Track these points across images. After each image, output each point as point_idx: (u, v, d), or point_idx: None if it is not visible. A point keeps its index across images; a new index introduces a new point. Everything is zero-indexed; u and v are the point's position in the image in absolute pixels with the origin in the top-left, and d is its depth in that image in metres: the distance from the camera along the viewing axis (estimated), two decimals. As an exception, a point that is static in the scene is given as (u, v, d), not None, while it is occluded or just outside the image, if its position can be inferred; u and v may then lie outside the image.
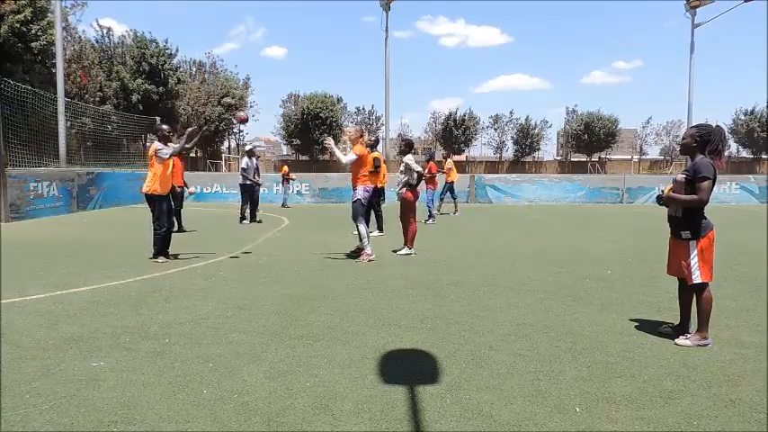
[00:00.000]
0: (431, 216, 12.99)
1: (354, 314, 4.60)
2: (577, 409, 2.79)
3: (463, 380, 3.17)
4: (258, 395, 2.95)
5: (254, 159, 12.54)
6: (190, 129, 7.52)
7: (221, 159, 49.54)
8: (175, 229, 9.87)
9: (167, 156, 7.07)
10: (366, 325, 4.28)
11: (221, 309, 4.74)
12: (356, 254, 7.54)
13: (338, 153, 7.27)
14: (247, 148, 13.30)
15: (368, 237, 7.30)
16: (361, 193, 7.28)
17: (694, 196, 3.70)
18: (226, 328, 4.15)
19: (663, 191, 3.97)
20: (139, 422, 2.63)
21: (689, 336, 3.86)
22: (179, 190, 10.37)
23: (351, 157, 7.24)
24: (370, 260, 7.12)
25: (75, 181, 14.82)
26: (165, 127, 7.47)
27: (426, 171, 13.13)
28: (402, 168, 8.07)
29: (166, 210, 7.18)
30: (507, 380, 3.18)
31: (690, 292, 3.97)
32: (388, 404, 2.84)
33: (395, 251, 7.93)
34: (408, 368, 3.38)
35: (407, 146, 8.61)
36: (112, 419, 2.65)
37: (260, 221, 12.42)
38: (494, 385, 3.10)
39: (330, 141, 7.41)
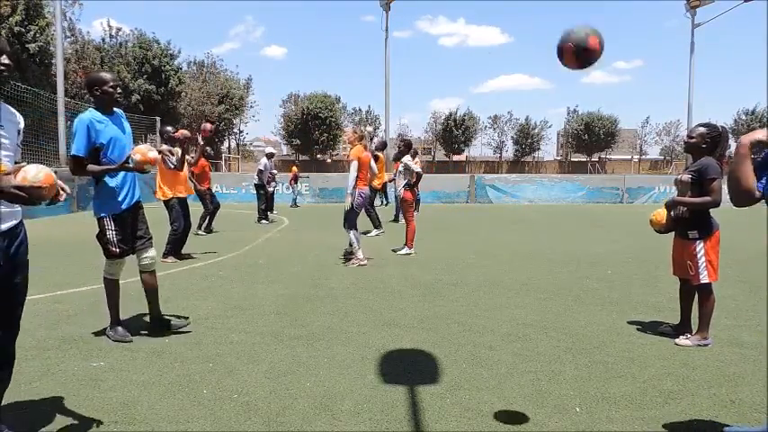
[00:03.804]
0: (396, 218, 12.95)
1: (354, 314, 4.59)
2: (577, 409, 2.79)
3: (463, 380, 3.17)
4: (258, 395, 2.95)
5: (271, 162, 13.11)
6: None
7: (221, 159, 49.53)
8: (202, 231, 9.96)
9: (172, 167, 7.08)
10: (366, 325, 4.28)
11: (221, 309, 4.74)
12: (348, 257, 7.33)
13: (350, 182, 6.82)
14: (268, 150, 13.98)
15: (358, 243, 7.01)
16: (347, 199, 6.92)
17: (707, 198, 3.68)
18: (226, 328, 4.15)
19: (668, 203, 3.93)
20: (139, 422, 2.63)
21: (689, 336, 3.86)
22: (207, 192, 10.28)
23: (352, 171, 6.82)
24: (360, 264, 6.87)
25: (76, 181, 14.80)
26: (169, 129, 7.46)
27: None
28: (401, 169, 8.06)
29: (181, 210, 7.26)
30: (507, 380, 3.18)
31: (691, 293, 3.97)
32: (388, 404, 2.84)
33: (395, 251, 7.93)
34: (408, 368, 3.38)
35: (406, 146, 8.57)
36: (112, 419, 2.65)
37: (271, 221, 12.59)
38: (494, 385, 3.10)
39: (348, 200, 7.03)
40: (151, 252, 3.96)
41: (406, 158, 8.04)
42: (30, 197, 2.01)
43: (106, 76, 3.73)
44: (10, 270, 2.24)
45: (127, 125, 3.92)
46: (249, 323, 4.31)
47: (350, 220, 7.00)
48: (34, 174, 2.06)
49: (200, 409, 2.78)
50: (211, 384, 3.09)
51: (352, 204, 6.85)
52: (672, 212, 3.93)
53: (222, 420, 2.66)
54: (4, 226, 2.20)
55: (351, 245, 7.08)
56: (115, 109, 3.83)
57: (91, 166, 3.64)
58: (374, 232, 9.98)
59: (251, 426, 2.61)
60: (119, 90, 3.78)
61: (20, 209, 2.29)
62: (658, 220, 4.07)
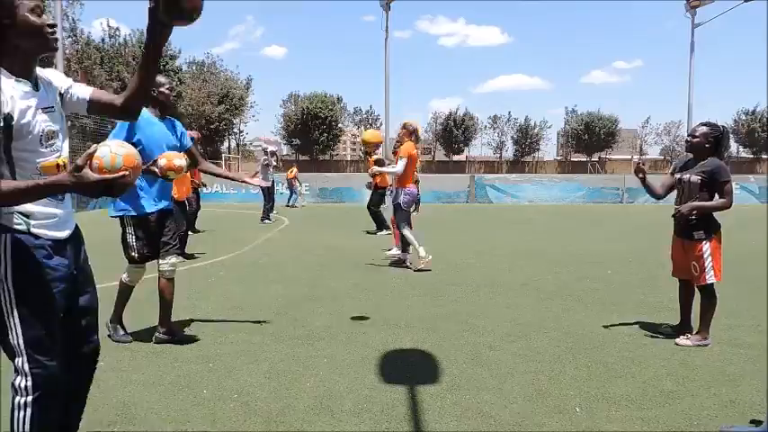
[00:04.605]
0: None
1: (354, 314, 4.59)
2: (577, 410, 2.79)
3: (463, 380, 3.17)
4: (258, 395, 2.95)
5: (273, 159, 13.32)
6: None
7: (221, 159, 49.50)
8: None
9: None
10: (366, 325, 4.28)
11: (221, 309, 4.74)
12: (398, 264, 6.94)
13: (387, 169, 6.74)
14: (269, 149, 14.18)
15: (416, 241, 6.64)
16: (401, 197, 6.68)
17: (722, 201, 3.69)
18: (226, 329, 4.15)
19: (677, 210, 3.86)
20: (139, 422, 2.63)
21: (689, 336, 3.86)
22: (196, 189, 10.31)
23: (400, 164, 6.61)
24: (426, 263, 6.47)
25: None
26: None
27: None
28: None
29: (181, 211, 7.28)
30: (507, 380, 3.18)
31: (692, 293, 3.97)
32: (388, 404, 2.84)
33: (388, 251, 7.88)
34: (408, 368, 3.38)
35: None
36: (112, 419, 2.65)
37: (272, 221, 12.65)
38: (494, 385, 3.10)
39: (375, 168, 7.01)
40: (172, 259, 3.80)
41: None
42: (115, 188, 1.59)
43: (162, 79, 3.67)
44: (83, 280, 2.03)
45: (176, 137, 3.76)
46: (249, 323, 4.31)
47: (397, 218, 6.77)
48: (110, 160, 1.62)
49: (200, 409, 2.78)
50: (211, 384, 3.09)
51: (399, 203, 6.66)
52: (677, 216, 3.88)
53: (222, 420, 2.66)
54: (68, 231, 1.92)
55: (407, 245, 6.75)
56: (172, 118, 3.79)
57: None
58: (384, 232, 9.94)
59: (251, 426, 2.61)
60: (173, 93, 3.75)
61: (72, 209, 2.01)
62: (371, 139, 3.93)
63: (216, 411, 2.75)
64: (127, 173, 1.59)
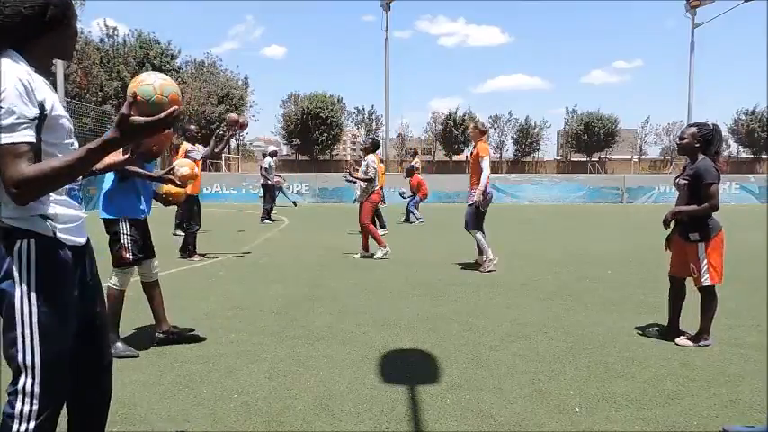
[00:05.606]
0: (410, 217, 12.92)
1: (354, 314, 4.59)
2: (577, 409, 2.79)
3: (463, 380, 3.17)
4: (258, 395, 2.95)
5: (275, 159, 13.48)
6: (220, 131, 7.61)
7: (221, 159, 49.44)
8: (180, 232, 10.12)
9: (199, 157, 6.98)
10: (366, 325, 4.28)
11: (221, 309, 4.74)
12: (478, 266, 6.69)
13: (483, 180, 6.41)
14: (270, 149, 14.29)
15: (486, 243, 6.53)
16: (477, 195, 6.44)
17: (705, 205, 3.65)
18: (226, 328, 4.15)
19: (667, 217, 3.88)
20: (139, 422, 2.63)
21: (689, 336, 3.85)
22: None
23: (486, 167, 6.43)
24: (491, 268, 6.43)
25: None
26: (192, 128, 7.62)
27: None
28: (363, 169, 7.55)
29: (197, 209, 7.51)
30: (507, 380, 3.18)
31: (682, 294, 3.96)
32: (388, 404, 2.84)
33: (373, 255, 7.54)
34: (408, 368, 3.38)
35: (373, 145, 7.86)
36: (112, 419, 2.64)
37: (274, 220, 12.66)
38: (494, 385, 3.10)
39: (481, 187, 6.49)
40: (154, 261, 3.81)
41: (370, 158, 7.57)
42: (166, 126, 1.46)
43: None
44: (98, 289, 1.87)
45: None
46: (249, 323, 4.31)
47: (476, 222, 6.56)
48: (156, 100, 1.56)
49: (200, 409, 2.78)
50: (211, 384, 3.09)
51: (477, 204, 6.46)
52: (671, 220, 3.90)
53: (222, 420, 2.66)
54: (85, 238, 1.75)
55: (479, 247, 6.60)
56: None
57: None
58: (381, 232, 9.93)
59: (251, 426, 2.61)
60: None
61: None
62: (177, 191, 3.77)
63: (216, 411, 2.75)
64: (177, 107, 1.50)
